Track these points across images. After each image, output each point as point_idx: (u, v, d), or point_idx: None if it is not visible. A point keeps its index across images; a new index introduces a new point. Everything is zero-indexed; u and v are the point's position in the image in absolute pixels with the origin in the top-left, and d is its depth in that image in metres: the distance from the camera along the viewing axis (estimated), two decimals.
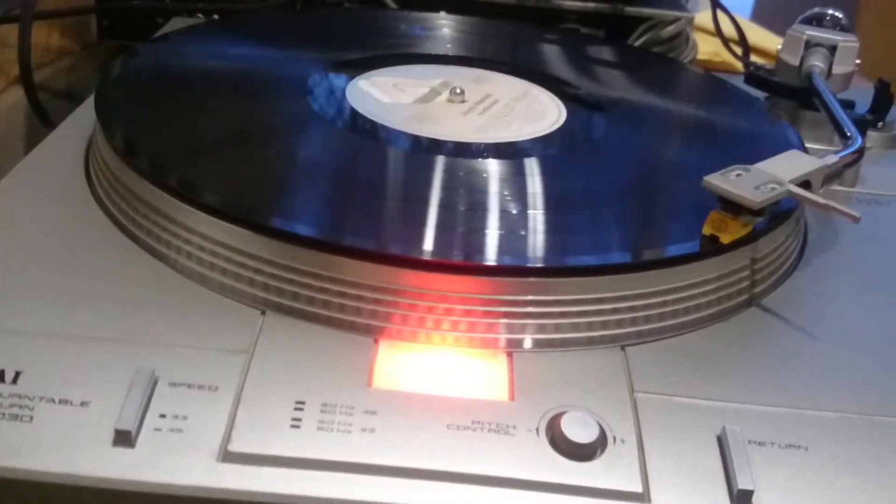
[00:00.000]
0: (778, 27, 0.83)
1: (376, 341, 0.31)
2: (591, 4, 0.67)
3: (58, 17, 0.66)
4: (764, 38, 0.80)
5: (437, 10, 0.63)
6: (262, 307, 0.31)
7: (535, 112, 0.45)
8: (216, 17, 0.68)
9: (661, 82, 0.53)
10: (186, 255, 0.33)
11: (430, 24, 0.59)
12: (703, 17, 0.75)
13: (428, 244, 0.32)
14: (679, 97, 0.51)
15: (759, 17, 0.76)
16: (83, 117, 0.44)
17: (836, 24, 0.53)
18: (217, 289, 0.32)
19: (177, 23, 0.60)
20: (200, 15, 0.68)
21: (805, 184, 0.36)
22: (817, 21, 0.53)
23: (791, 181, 0.35)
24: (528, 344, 0.31)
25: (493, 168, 0.39)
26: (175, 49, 0.49)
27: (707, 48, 0.74)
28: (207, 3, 0.68)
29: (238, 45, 0.51)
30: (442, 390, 0.29)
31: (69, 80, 0.69)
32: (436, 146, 0.40)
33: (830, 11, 0.53)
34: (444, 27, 0.59)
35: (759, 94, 0.54)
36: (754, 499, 0.27)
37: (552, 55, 0.55)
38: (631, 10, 0.67)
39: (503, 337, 0.31)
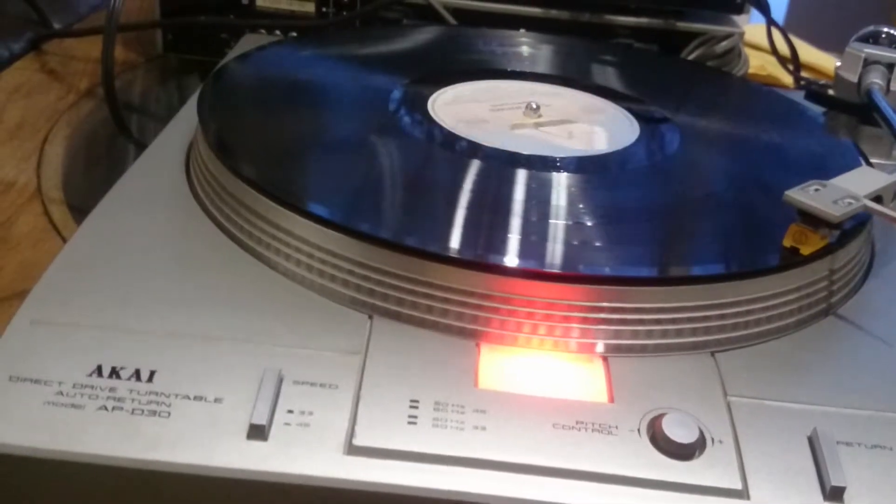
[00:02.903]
0: (812, 39, 0.85)
1: (478, 345, 0.32)
2: (645, 20, 0.69)
3: (132, 31, 0.69)
4: (805, 52, 0.82)
5: (492, 26, 0.65)
6: (369, 312, 0.33)
7: (617, 128, 0.47)
8: (277, 32, 0.71)
9: (730, 99, 0.55)
10: (305, 266, 0.34)
11: (512, 41, 0.61)
12: (748, 31, 0.76)
13: (528, 254, 0.34)
14: (746, 113, 0.53)
15: (790, 28, 0.78)
16: (178, 129, 0.46)
17: (892, 42, 0.54)
18: (326, 294, 0.34)
19: (250, 40, 0.62)
20: (263, 31, 0.70)
21: (877, 199, 0.38)
22: (873, 39, 0.54)
23: (866, 196, 0.37)
24: (623, 349, 0.33)
25: (581, 181, 0.40)
26: (268, 62, 0.50)
27: (752, 62, 0.76)
28: (271, 19, 0.70)
29: (329, 59, 0.52)
30: (545, 391, 0.31)
31: (134, 91, 0.72)
32: (536, 161, 0.41)
33: (886, 29, 0.55)
34: (533, 45, 0.60)
35: (816, 108, 0.55)
36: (845, 495, 0.28)
37: (638, 75, 0.57)
38: (683, 25, 0.69)
39: (599, 342, 0.33)
